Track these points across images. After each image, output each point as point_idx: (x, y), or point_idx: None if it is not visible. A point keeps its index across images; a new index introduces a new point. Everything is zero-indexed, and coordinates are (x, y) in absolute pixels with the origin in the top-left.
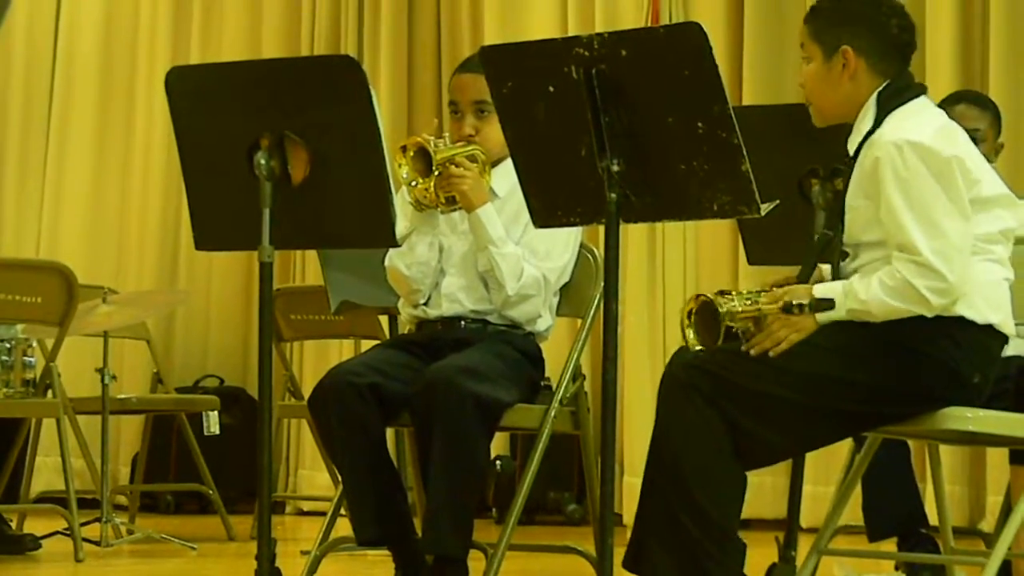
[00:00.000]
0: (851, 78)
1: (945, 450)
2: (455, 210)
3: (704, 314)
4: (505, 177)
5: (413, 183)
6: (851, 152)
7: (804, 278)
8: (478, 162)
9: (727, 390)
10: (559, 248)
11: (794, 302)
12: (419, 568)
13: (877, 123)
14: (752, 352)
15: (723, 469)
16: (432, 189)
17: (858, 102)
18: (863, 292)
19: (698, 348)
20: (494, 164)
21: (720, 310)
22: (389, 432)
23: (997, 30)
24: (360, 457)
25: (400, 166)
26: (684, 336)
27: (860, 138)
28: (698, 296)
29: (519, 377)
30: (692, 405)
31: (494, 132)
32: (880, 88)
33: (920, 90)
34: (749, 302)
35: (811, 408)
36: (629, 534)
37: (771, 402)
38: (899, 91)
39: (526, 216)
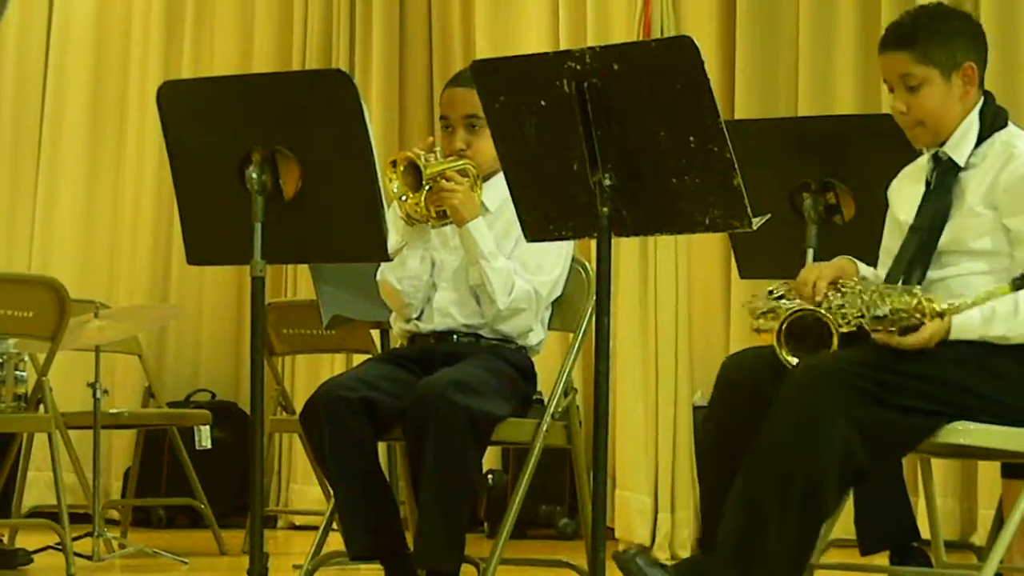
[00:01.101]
0: (969, 95)
1: (937, 463)
2: (446, 224)
3: (797, 328)
4: (496, 191)
5: (404, 197)
6: (960, 162)
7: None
8: (469, 176)
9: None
10: (551, 262)
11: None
12: None
13: (983, 137)
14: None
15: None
16: (423, 203)
17: (964, 116)
18: (1013, 315)
19: (793, 360)
20: (485, 178)
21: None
22: (381, 447)
23: (988, 30)
24: (352, 471)
25: (391, 181)
26: (781, 353)
27: (967, 148)
28: (794, 313)
29: (511, 391)
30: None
31: (485, 146)
32: (980, 105)
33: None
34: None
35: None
36: (621, 547)
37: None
38: (997, 111)
39: (517, 230)
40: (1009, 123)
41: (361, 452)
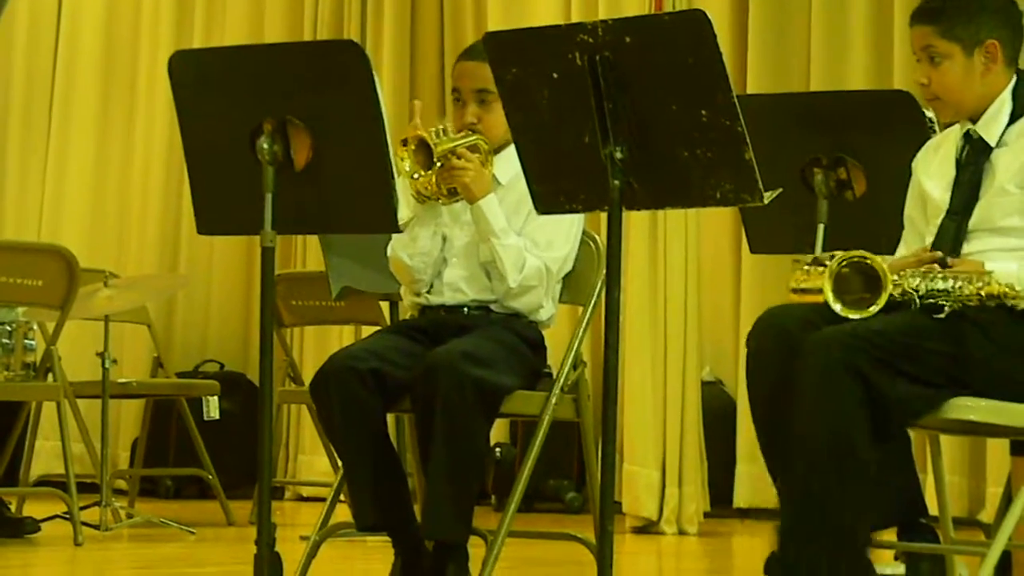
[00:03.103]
0: (992, 72)
1: (945, 440)
2: (457, 201)
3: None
4: (508, 164)
5: (415, 175)
6: (992, 141)
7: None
8: (480, 152)
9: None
10: (561, 238)
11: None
12: (419, 554)
13: (1015, 117)
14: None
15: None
16: (434, 181)
17: (992, 96)
18: None
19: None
20: (497, 151)
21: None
22: (389, 419)
23: None
24: (361, 442)
25: (402, 159)
26: (828, 296)
27: (999, 128)
28: (854, 258)
29: (520, 363)
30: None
31: (497, 120)
32: (1013, 83)
33: None
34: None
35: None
36: (628, 522)
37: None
38: None
39: (528, 205)
40: None
41: (370, 423)
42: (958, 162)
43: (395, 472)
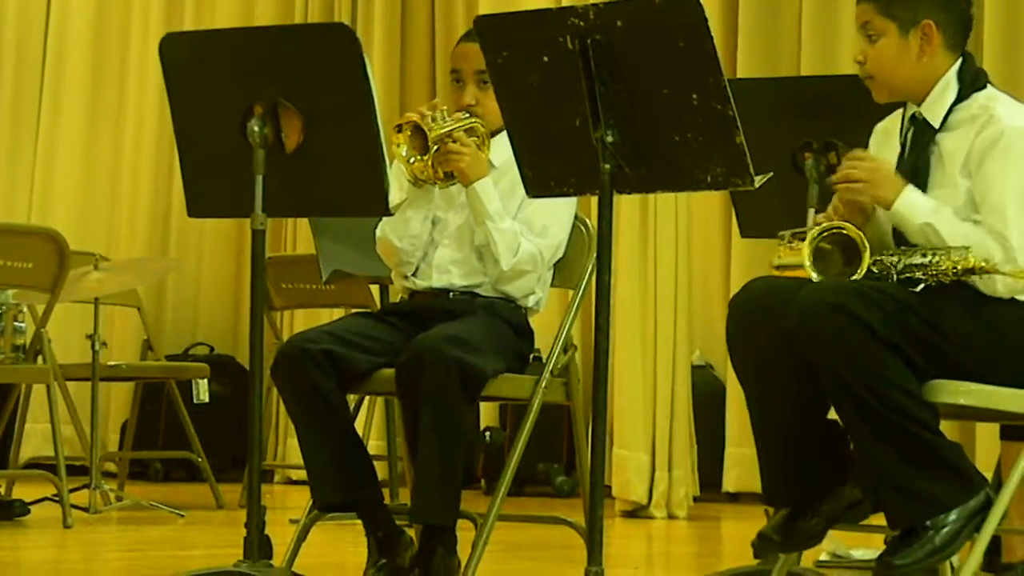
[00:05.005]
0: (928, 54)
1: None
2: (453, 184)
3: (831, 247)
4: (503, 148)
5: (411, 160)
6: (935, 123)
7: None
8: (477, 135)
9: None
10: (557, 225)
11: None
12: (390, 532)
13: (961, 98)
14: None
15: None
16: (430, 165)
17: (933, 78)
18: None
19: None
20: (493, 134)
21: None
22: (379, 403)
23: (993, 13)
24: (315, 422)
25: (397, 146)
26: (807, 265)
27: (943, 109)
28: (835, 230)
29: (505, 348)
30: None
31: (495, 102)
32: (959, 65)
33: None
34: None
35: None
36: (617, 506)
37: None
38: (977, 72)
39: (523, 190)
40: (988, 85)
41: (325, 402)
42: (903, 145)
43: (355, 451)
